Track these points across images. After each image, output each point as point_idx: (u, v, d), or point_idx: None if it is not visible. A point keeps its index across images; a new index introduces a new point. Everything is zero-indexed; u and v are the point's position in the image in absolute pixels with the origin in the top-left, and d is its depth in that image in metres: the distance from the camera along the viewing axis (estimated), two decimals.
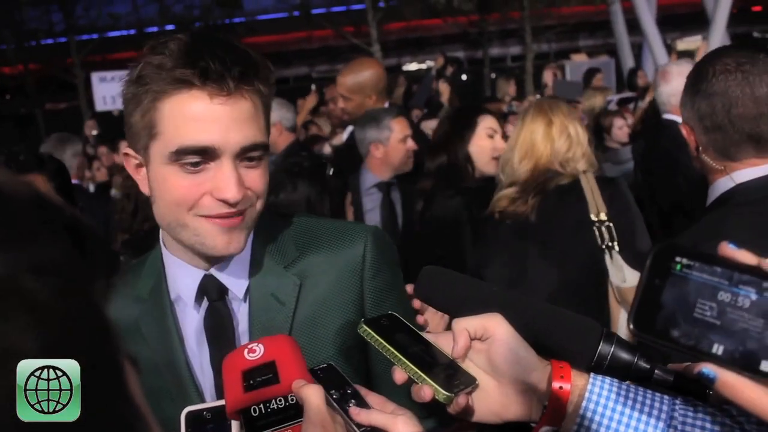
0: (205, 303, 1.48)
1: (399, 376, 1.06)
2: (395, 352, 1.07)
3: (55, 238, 0.49)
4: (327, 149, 6.75)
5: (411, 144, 4.10)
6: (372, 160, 4.04)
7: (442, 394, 1.01)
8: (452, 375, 1.05)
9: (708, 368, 0.86)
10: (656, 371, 1.05)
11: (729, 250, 0.90)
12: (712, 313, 0.87)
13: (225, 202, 1.34)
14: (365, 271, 1.52)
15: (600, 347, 1.06)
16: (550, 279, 3.01)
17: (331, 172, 2.72)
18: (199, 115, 1.31)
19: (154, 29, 24.70)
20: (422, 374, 1.03)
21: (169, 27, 24.94)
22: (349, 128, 5.07)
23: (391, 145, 4.00)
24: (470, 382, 1.05)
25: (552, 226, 3.06)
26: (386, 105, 4.73)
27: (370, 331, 1.11)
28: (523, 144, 3.16)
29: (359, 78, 4.65)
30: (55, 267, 0.48)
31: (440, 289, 1.18)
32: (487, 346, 1.06)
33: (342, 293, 1.50)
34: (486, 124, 3.77)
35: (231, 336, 1.47)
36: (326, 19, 24.25)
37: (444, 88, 9.44)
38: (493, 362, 1.06)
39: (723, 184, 1.93)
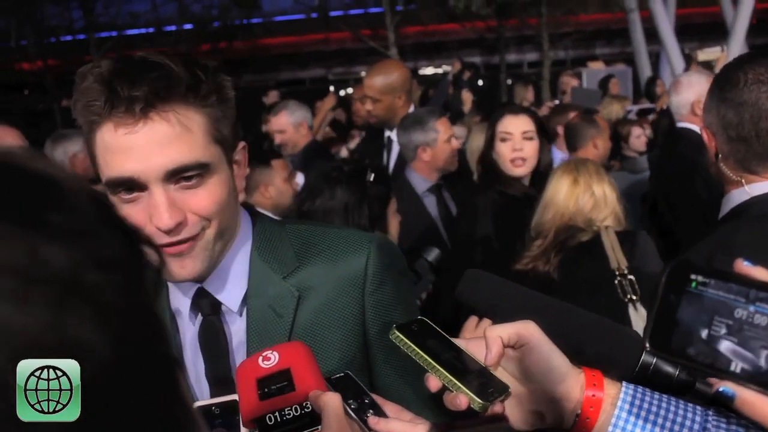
0: (199, 316, 1.45)
1: (433, 383, 1.04)
2: (429, 359, 1.04)
3: (114, 235, 0.50)
4: (344, 152, 6.76)
5: (456, 143, 4.10)
6: (419, 164, 3.99)
7: (477, 402, 0.99)
8: (485, 383, 1.02)
9: (726, 386, 0.85)
10: (697, 384, 1.03)
11: (745, 267, 0.89)
12: (729, 330, 0.86)
13: (160, 230, 1.29)
14: (367, 285, 1.47)
15: (643, 357, 1.05)
16: None
17: (371, 178, 2.63)
18: (114, 147, 1.27)
19: (173, 28, 24.86)
20: (457, 382, 1.01)
21: (187, 26, 25.11)
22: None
23: (438, 146, 3.96)
24: (504, 390, 1.03)
25: (574, 282, 3.09)
26: (411, 107, 4.72)
27: (402, 337, 1.08)
28: (549, 200, 3.26)
29: (389, 79, 4.63)
30: (117, 263, 0.48)
31: (483, 292, 1.17)
32: (520, 354, 1.05)
33: (342, 307, 1.46)
34: (500, 128, 3.77)
35: (224, 350, 1.44)
36: (344, 22, 24.29)
37: (467, 97, 9.43)
38: (526, 370, 1.04)
39: (738, 195, 1.87)
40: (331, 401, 1.02)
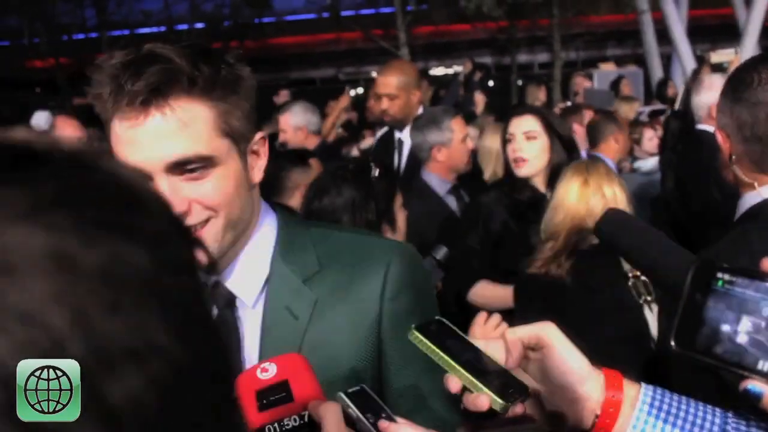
0: (214, 309, 1.45)
1: (453, 384, 1.03)
2: (449, 359, 1.03)
3: (180, 236, 0.50)
4: (355, 152, 6.75)
5: (470, 143, 4.08)
6: (434, 164, 3.94)
7: (498, 403, 0.99)
8: (506, 383, 1.02)
9: (754, 384, 0.84)
10: None
11: None
12: (756, 328, 0.85)
13: None
14: (385, 294, 1.46)
15: None
16: (590, 335, 3.00)
17: (376, 174, 2.66)
18: (121, 139, 1.31)
19: (185, 26, 24.97)
20: (478, 383, 1.00)
21: (199, 25, 25.22)
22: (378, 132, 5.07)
23: (454, 146, 3.92)
24: (524, 390, 1.02)
25: (588, 285, 3.08)
26: (421, 108, 4.74)
27: (421, 337, 1.07)
28: (559, 201, 3.23)
29: (403, 75, 4.67)
30: (186, 265, 0.49)
31: (624, 231, 1.18)
32: (540, 356, 1.04)
33: (358, 314, 1.45)
34: (508, 129, 3.75)
35: (237, 345, 1.44)
36: (355, 22, 24.30)
37: (480, 99, 9.42)
38: (545, 371, 1.04)
39: (751, 198, 1.87)
40: (331, 410, 1.02)
